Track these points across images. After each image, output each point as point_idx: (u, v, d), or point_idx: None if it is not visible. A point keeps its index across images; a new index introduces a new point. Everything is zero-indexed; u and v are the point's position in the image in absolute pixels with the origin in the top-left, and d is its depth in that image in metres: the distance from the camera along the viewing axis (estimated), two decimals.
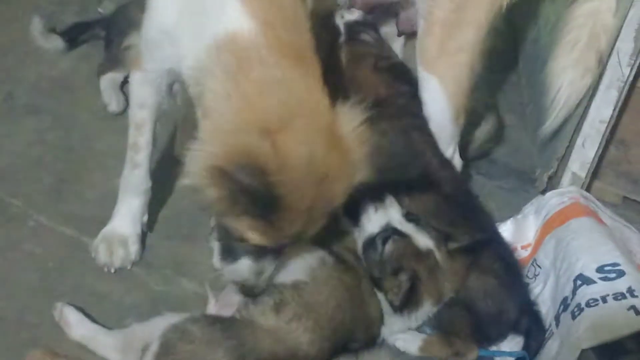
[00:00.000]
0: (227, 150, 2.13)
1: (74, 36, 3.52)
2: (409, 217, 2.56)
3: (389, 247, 2.50)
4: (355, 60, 2.82)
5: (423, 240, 2.52)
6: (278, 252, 2.33)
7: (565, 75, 2.94)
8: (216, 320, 2.40)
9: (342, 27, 2.89)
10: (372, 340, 2.59)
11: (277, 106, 2.15)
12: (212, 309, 2.51)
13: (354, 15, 2.89)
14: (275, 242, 2.26)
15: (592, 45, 2.89)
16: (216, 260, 2.69)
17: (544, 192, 3.14)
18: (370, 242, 2.53)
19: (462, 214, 2.70)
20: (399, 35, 3.18)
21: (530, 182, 3.31)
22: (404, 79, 2.85)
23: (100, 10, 3.70)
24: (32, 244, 2.75)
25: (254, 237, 2.23)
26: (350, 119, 2.25)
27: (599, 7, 2.87)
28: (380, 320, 2.57)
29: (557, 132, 3.09)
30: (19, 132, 3.13)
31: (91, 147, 3.13)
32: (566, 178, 3.07)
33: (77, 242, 2.79)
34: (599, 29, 2.88)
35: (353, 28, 2.90)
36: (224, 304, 2.48)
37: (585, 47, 2.90)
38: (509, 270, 2.67)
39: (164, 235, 2.86)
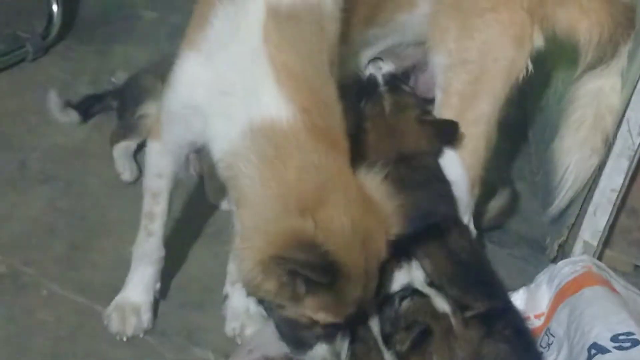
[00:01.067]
0: (274, 239, 2.16)
1: (87, 108, 3.56)
2: (430, 283, 2.56)
3: (406, 303, 2.49)
4: (399, 110, 2.82)
5: (441, 303, 2.51)
6: (346, 326, 2.34)
7: (572, 155, 2.96)
8: None
9: (380, 77, 2.87)
10: None
11: (314, 188, 2.19)
12: None
13: (391, 66, 2.89)
14: (343, 315, 2.28)
15: (597, 126, 2.92)
16: (229, 329, 2.72)
17: (555, 260, 3.14)
18: (389, 299, 2.52)
19: (476, 281, 2.70)
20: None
21: (541, 250, 3.31)
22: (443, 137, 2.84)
23: (113, 80, 3.73)
24: (45, 312, 2.74)
25: (324, 316, 2.25)
26: (373, 179, 2.32)
27: (604, 86, 2.90)
28: None
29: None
30: (31, 200, 3.14)
31: (103, 215, 3.14)
32: (578, 246, 3.07)
33: (90, 310, 2.78)
34: (604, 109, 2.91)
35: (393, 78, 2.89)
36: None
37: (591, 128, 2.92)
38: (521, 337, 2.65)
39: (176, 303, 2.85)
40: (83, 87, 3.69)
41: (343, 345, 2.36)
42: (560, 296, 2.84)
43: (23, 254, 2.92)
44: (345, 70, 2.81)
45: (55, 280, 2.84)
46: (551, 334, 2.78)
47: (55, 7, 3.89)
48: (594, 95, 2.92)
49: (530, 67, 2.81)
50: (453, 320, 2.51)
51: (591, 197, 3.00)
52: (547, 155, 3.22)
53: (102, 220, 3.12)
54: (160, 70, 3.25)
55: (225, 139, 2.29)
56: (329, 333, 2.31)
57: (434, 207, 2.75)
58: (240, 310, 2.78)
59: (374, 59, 2.91)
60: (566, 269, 2.90)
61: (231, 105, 2.28)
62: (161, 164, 2.64)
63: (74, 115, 3.50)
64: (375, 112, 2.83)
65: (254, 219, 2.23)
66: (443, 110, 2.83)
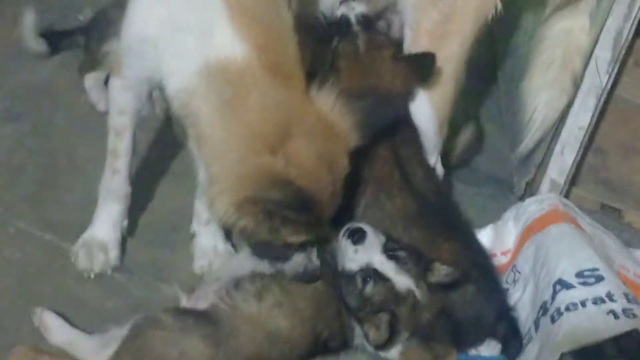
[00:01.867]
0: (245, 179, 2.19)
1: (56, 41, 3.51)
2: (389, 252, 2.55)
3: (369, 288, 2.51)
4: (373, 49, 2.80)
5: (403, 281, 2.52)
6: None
7: (541, 95, 2.99)
8: (188, 310, 2.44)
9: (352, 17, 2.84)
10: (347, 344, 2.59)
11: (277, 124, 2.21)
12: (184, 304, 2.51)
13: (363, 7, 2.86)
14: (315, 233, 2.36)
15: (566, 66, 2.94)
16: (196, 266, 2.73)
17: (522, 198, 3.17)
18: (350, 278, 2.53)
19: (442, 221, 2.72)
20: None
21: (509, 189, 3.33)
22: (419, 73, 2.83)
23: (80, 17, 3.68)
24: (12, 249, 2.74)
25: (297, 238, 2.33)
26: (326, 99, 2.33)
27: (572, 27, 2.91)
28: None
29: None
30: None
31: (71, 153, 3.12)
32: (545, 185, 3.09)
33: (57, 247, 2.78)
34: (572, 50, 2.93)
35: (366, 18, 2.86)
36: (198, 297, 2.49)
37: (560, 68, 2.95)
38: (487, 276, 2.68)
39: (143, 241, 2.86)
40: (53, 22, 3.60)
41: (315, 251, 2.44)
42: (527, 233, 2.87)
43: None
44: (311, 10, 2.81)
45: (22, 218, 2.83)
46: (517, 271, 2.82)
47: None
48: (563, 36, 2.93)
49: (500, 6, 2.78)
50: (417, 293, 2.52)
51: (558, 136, 3.02)
52: (516, 95, 3.22)
53: (70, 158, 3.10)
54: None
55: (180, 76, 2.29)
56: (303, 246, 2.39)
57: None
58: (208, 247, 2.80)
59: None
60: (533, 207, 2.93)
61: (185, 42, 2.28)
62: (123, 100, 2.62)
63: (43, 46, 3.46)
64: (349, 51, 2.82)
65: (220, 160, 2.24)
66: (413, 49, 2.81)
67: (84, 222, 2.79)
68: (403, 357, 2.61)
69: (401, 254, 2.54)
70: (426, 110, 2.84)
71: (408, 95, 2.80)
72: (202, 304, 2.45)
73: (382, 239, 2.55)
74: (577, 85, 2.94)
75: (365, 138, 2.39)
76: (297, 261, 2.43)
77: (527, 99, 3.02)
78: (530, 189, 3.19)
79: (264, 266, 2.48)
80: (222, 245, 2.80)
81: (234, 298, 2.41)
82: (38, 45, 3.45)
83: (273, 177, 2.17)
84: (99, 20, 3.44)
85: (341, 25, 2.85)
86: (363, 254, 2.53)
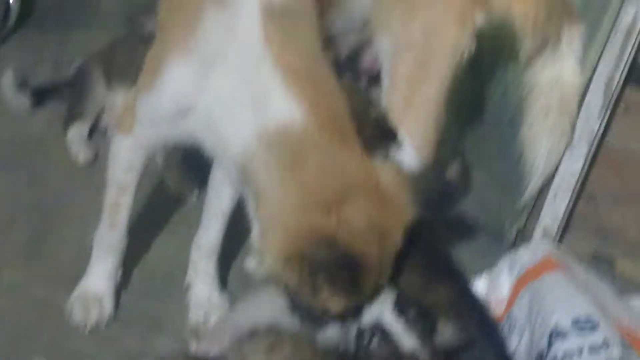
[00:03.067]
0: (296, 235, 2.17)
1: (40, 95, 3.55)
2: (399, 309, 2.54)
3: (374, 344, 2.49)
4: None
5: (410, 341, 2.50)
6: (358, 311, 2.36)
7: (543, 142, 2.99)
8: (198, 358, 2.42)
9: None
10: None
11: (333, 184, 2.20)
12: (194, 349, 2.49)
13: None
14: (356, 303, 2.31)
15: (564, 110, 2.95)
16: (192, 317, 2.72)
17: (513, 246, 3.17)
18: (360, 333, 2.53)
19: (437, 270, 2.71)
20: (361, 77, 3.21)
21: (499, 237, 3.34)
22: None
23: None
24: (4, 302, 2.71)
25: (336, 303, 2.26)
26: (390, 169, 2.32)
27: (563, 71, 2.93)
28: None
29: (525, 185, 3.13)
30: None
31: (64, 204, 3.12)
32: (538, 231, 3.11)
33: (50, 300, 2.75)
34: (568, 93, 2.94)
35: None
36: (211, 343, 2.46)
37: (558, 113, 2.95)
38: (486, 325, 2.67)
39: (138, 293, 2.84)
40: (44, 76, 3.66)
41: (353, 326, 2.38)
42: (522, 282, 2.87)
43: None
44: None
45: (15, 270, 2.82)
46: (513, 320, 2.81)
47: None
48: (555, 81, 2.94)
49: (473, 47, 2.81)
50: (422, 355, 2.51)
51: (551, 182, 3.03)
52: (511, 142, 3.22)
53: (63, 210, 3.09)
54: (106, 57, 3.43)
55: (236, 143, 2.27)
56: (341, 317, 2.33)
57: None
58: (204, 298, 2.79)
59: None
60: (527, 255, 2.93)
61: (240, 110, 2.26)
62: (132, 158, 2.61)
63: (25, 100, 3.49)
64: None
65: (274, 217, 2.22)
66: (391, 95, 2.80)
67: (78, 274, 2.78)
68: None
69: (411, 312, 2.52)
70: (409, 154, 2.84)
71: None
72: (213, 351, 2.43)
73: (394, 294, 2.54)
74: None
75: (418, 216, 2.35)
76: (332, 332, 2.37)
77: (527, 146, 3.02)
78: (522, 236, 3.20)
79: (287, 320, 2.45)
80: (217, 296, 2.80)
81: (244, 349, 2.39)
82: (20, 102, 3.50)
83: (323, 236, 2.16)
84: (79, 75, 3.49)
85: None
86: (375, 308, 2.52)
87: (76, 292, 2.73)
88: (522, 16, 2.82)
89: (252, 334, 2.41)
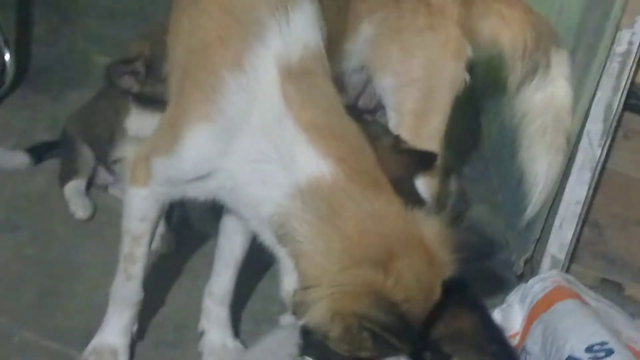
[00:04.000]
0: (348, 290, 2.14)
1: (40, 153, 3.57)
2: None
3: None
4: (373, 140, 2.83)
5: None
6: None
7: (542, 160, 3.00)
8: None
9: None
10: None
11: (377, 237, 2.18)
12: None
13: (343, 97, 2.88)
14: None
15: (559, 128, 2.96)
16: None
17: (522, 276, 3.18)
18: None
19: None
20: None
21: (505, 269, 3.33)
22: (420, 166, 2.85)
23: None
24: None
25: (369, 356, 2.22)
26: (433, 225, 2.27)
27: (555, 92, 2.96)
28: None
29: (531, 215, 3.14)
30: None
31: (71, 259, 3.12)
32: (546, 261, 3.11)
33: (64, 356, 2.75)
34: (562, 112, 2.96)
35: (351, 109, 2.87)
36: None
37: (554, 131, 2.96)
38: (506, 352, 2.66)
39: (150, 342, 2.83)
40: (40, 134, 3.68)
41: None
42: (534, 314, 2.87)
43: None
44: None
45: (27, 327, 2.80)
46: (528, 352, 2.81)
47: (7, 56, 3.89)
48: (548, 102, 2.96)
49: (468, 78, 2.89)
50: None
51: (556, 211, 3.05)
52: (510, 169, 3.25)
53: (70, 265, 3.09)
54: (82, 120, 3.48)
55: (267, 204, 2.27)
56: None
57: None
58: (217, 345, 2.78)
59: None
60: (536, 287, 2.93)
61: (267, 172, 2.27)
62: (146, 209, 2.59)
63: (23, 159, 3.51)
64: None
65: (320, 271, 2.19)
66: (400, 130, 2.84)
67: (89, 327, 2.77)
68: None
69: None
70: (419, 185, 2.86)
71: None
72: None
73: None
74: (570, 143, 3.00)
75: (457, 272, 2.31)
76: None
77: (527, 166, 3.04)
78: (530, 266, 3.21)
79: None
80: (231, 342, 2.79)
81: None
82: (19, 161, 3.52)
83: (379, 296, 2.13)
84: (64, 137, 3.52)
85: None
86: None
87: (90, 346, 2.71)
88: (511, 43, 2.88)
89: None
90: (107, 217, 3.30)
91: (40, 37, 4.30)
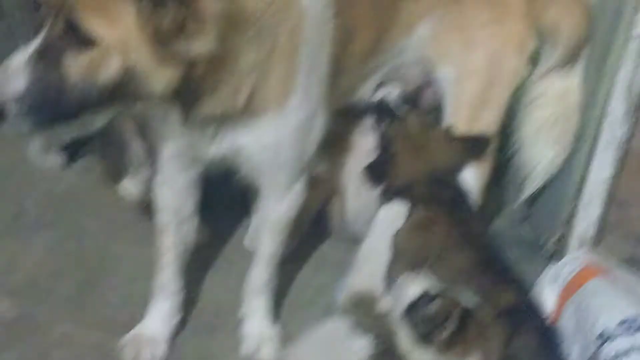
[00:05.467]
0: None
1: (73, 151, 3.62)
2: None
3: (434, 305, 2.52)
4: (426, 129, 2.86)
5: (468, 298, 2.53)
6: None
7: (547, 152, 3.11)
8: None
9: (392, 100, 2.89)
10: None
11: None
12: None
13: (398, 89, 2.92)
14: None
15: (568, 123, 3.07)
16: (245, 351, 2.74)
17: (551, 257, 3.21)
18: (413, 306, 2.55)
19: (498, 273, 2.75)
20: None
21: (533, 250, 3.37)
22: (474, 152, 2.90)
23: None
24: (60, 351, 2.74)
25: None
26: None
27: (570, 86, 3.05)
28: None
29: (559, 196, 3.18)
30: (33, 247, 3.16)
31: (105, 253, 3.17)
32: (574, 241, 3.14)
33: (104, 346, 2.78)
34: (572, 108, 3.06)
35: (406, 100, 2.91)
36: None
37: (563, 125, 3.08)
38: (548, 332, 2.70)
39: (189, 330, 2.88)
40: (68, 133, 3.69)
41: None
42: (565, 294, 2.91)
43: (32, 297, 2.92)
44: (351, 99, 2.91)
45: (66, 320, 2.85)
46: (561, 333, 2.82)
47: None
48: (563, 94, 3.05)
49: (527, 72, 2.95)
50: (482, 313, 2.53)
51: (583, 191, 3.07)
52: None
53: (105, 259, 3.14)
54: None
55: None
56: None
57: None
58: (256, 332, 2.81)
59: (380, 85, 2.94)
60: (566, 268, 2.97)
61: None
62: (160, 196, 2.70)
63: (57, 159, 3.56)
64: (402, 134, 2.85)
65: None
66: (454, 118, 2.90)
67: (127, 319, 2.83)
68: None
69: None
70: (470, 179, 2.93)
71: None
72: None
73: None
74: (592, 138, 3.03)
75: None
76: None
77: (530, 151, 3.13)
78: (559, 247, 3.23)
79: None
80: (270, 329, 2.83)
81: None
82: (50, 161, 3.58)
83: None
84: (111, 132, 3.52)
85: (384, 110, 2.89)
86: (420, 281, 2.56)
87: (131, 334, 2.77)
88: (569, 33, 2.95)
89: None
90: (136, 211, 3.37)
91: None
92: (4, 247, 3.14)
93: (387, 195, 2.81)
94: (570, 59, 3.03)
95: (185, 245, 2.78)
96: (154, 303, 2.79)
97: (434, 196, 2.77)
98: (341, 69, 2.64)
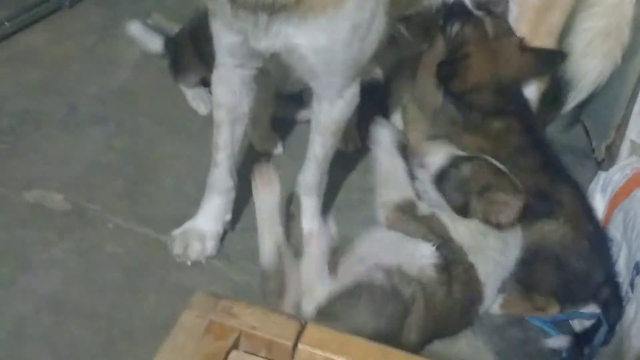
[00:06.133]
0: None
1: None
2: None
3: (465, 168, 2.55)
4: (502, 35, 2.83)
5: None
6: None
7: (595, 64, 3.10)
8: None
9: (469, 3, 2.86)
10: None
11: None
12: None
13: None
14: None
15: (619, 38, 3.04)
16: None
17: (602, 163, 3.20)
18: (442, 174, 2.58)
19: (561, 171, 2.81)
20: None
21: (584, 156, 3.39)
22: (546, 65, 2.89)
23: (149, 21, 3.79)
24: (113, 244, 2.80)
25: None
26: None
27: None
28: None
29: (611, 103, 3.15)
30: (86, 141, 3.21)
31: (157, 151, 3.21)
32: (625, 147, 3.12)
33: (156, 240, 2.84)
34: (625, 22, 3.03)
35: (482, 4, 2.88)
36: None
37: (614, 40, 3.06)
38: (599, 236, 2.72)
39: (238, 228, 2.92)
40: (122, 30, 3.74)
41: None
42: (615, 201, 2.91)
43: (85, 191, 2.97)
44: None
45: (119, 215, 2.90)
46: (610, 239, 2.84)
47: None
48: (618, 4, 3.03)
49: None
50: None
51: (636, 97, 3.04)
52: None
53: (157, 157, 3.18)
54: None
55: None
56: None
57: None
58: (305, 230, 2.82)
59: None
60: (617, 175, 2.98)
61: None
62: (217, 93, 2.70)
63: (158, 43, 3.62)
64: (478, 37, 2.83)
65: None
66: (520, 23, 2.88)
67: (177, 215, 2.87)
68: (504, 309, 2.65)
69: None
70: (530, 89, 2.94)
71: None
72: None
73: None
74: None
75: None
76: None
77: (579, 61, 3.10)
78: (609, 153, 3.22)
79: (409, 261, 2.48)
80: (318, 227, 2.84)
81: None
82: (152, 44, 3.65)
83: None
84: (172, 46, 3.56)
85: (459, 11, 2.87)
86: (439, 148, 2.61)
87: (182, 228, 2.82)
88: None
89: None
90: (189, 108, 3.43)
91: None
92: (57, 141, 3.20)
93: (451, 97, 2.83)
94: None
95: (239, 143, 2.79)
96: (205, 199, 2.83)
97: (499, 103, 2.77)
98: None
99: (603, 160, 3.23)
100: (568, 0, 2.89)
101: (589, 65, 3.09)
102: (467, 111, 2.79)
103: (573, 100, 3.17)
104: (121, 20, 3.80)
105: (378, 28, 2.52)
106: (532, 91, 2.92)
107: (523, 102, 2.87)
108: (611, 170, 3.02)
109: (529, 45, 2.84)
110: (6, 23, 3.61)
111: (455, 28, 2.84)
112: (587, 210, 2.75)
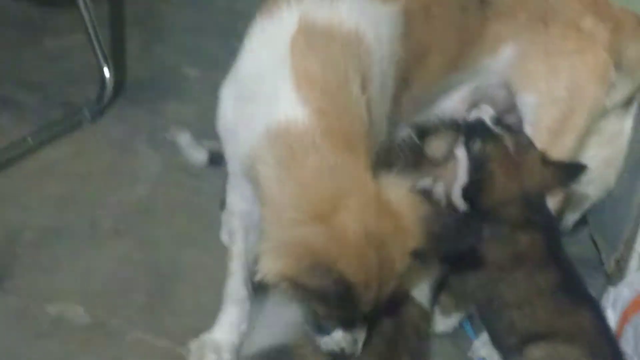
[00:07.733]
0: (289, 249, 2.21)
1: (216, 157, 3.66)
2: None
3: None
4: (523, 151, 2.89)
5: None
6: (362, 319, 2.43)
7: (592, 188, 3.21)
8: None
9: (488, 120, 2.93)
10: None
11: (329, 191, 2.24)
12: None
13: (492, 110, 2.96)
14: (356, 314, 2.37)
15: (611, 164, 3.19)
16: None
17: (612, 276, 3.24)
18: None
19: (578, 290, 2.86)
20: None
21: (593, 269, 3.40)
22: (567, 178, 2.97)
23: (167, 136, 3.86)
24: (133, 357, 2.85)
25: (335, 318, 2.38)
26: (397, 186, 2.35)
27: (625, 128, 3.16)
28: None
29: (620, 217, 3.23)
30: (107, 255, 3.27)
31: (176, 264, 3.26)
32: (634, 261, 3.17)
33: (174, 353, 2.89)
34: (622, 150, 3.19)
35: (501, 121, 2.96)
36: None
37: (614, 169, 3.21)
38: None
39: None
40: (142, 145, 3.84)
41: (361, 334, 2.43)
42: (625, 317, 2.95)
43: (105, 304, 3.03)
44: (426, 113, 3.00)
45: (138, 327, 2.96)
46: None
47: (107, 73, 4.05)
48: (616, 136, 3.13)
49: (608, 104, 3.00)
50: None
51: None
52: None
53: (176, 269, 3.23)
54: None
55: (247, 144, 2.37)
56: (345, 323, 2.40)
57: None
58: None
59: (474, 105, 3.01)
60: (626, 291, 3.01)
61: (253, 112, 2.37)
62: (231, 199, 2.79)
63: (203, 156, 3.68)
64: (500, 153, 2.88)
65: (273, 220, 2.29)
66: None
67: (197, 328, 2.91)
68: None
69: None
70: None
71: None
72: None
73: None
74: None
75: (431, 248, 2.37)
76: (337, 338, 2.42)
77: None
78: (619, 266, 3.26)
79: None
80: None
81: None
82: (198, 156, 3.70)
83: (314, 258, 2.18)
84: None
85: (479, 128, 2.93)
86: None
87: (199, 339, 2.86)
88: None
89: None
90: (207, 221, 3.46)
91: (134, 53, 4.45)
92: (79, 254, 3.26)
93: (478, 216, 2.86)
94: (630, 100, 3.10)
95: (253, 253, 2.78)
96: (222, 310, 2.88)
97: (527, 218, 2.82)
98: (413, 79, 2.72)
99: (612, 274, 3.27)
100: (582, 124, 2.96)
101: (586, 188, 3.18)
102: (495, 225, 2.83)
103: (577, 214, 3.27)
104: (141, 134, 3.90)
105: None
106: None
107: (548, 213, 2.92)
108: (619, 285, 3.06)
109: (550, 158, 2.91)
110: (29, 139, 3.70)
111: (477, 146, 2.90)
112: (606, 332, 2.78)
